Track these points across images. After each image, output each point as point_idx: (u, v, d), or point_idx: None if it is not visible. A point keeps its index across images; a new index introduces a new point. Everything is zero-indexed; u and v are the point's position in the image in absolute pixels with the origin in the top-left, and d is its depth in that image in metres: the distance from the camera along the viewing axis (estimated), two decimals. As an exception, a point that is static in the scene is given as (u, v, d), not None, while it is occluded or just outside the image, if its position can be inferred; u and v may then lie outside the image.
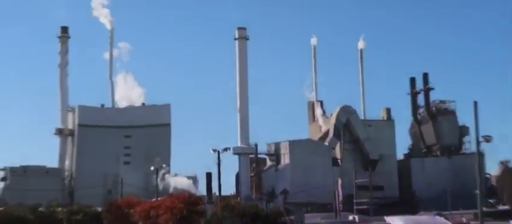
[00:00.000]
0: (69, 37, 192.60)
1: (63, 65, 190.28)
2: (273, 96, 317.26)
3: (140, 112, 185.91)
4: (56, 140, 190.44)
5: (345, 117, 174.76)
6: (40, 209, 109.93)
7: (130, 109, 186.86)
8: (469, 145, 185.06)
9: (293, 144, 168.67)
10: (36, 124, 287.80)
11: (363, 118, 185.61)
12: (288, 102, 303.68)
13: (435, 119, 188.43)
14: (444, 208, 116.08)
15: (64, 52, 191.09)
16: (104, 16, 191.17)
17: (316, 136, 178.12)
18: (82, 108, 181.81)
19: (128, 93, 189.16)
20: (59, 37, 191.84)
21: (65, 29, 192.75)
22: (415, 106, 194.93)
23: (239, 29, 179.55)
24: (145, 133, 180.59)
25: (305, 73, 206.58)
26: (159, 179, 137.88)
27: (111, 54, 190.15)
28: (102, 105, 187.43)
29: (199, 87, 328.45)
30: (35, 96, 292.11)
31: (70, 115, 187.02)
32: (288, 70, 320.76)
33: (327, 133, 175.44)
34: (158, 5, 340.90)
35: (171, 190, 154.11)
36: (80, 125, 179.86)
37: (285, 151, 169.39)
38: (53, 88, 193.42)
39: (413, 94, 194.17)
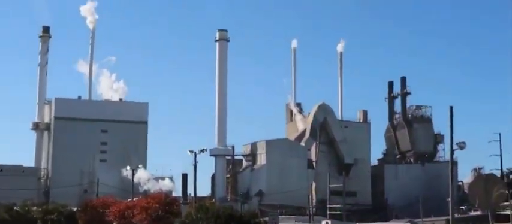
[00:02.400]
0: (50, 36, 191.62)
1: (43, 64, 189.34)
2: (252, 98, 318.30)
3: (118, 107, 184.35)
4: (33, 137, 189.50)
5: (323, 115, 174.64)
6: (15, 208, 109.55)
7: (108, 103, 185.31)
8: (443, 153, 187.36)
9: (269, 143, 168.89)
10: (13, 122, 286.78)
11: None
12: (267, 104, 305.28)
13: (411, 125, 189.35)
14: (417, 215, 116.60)
15: (44, 51, 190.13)
16: (87, 11, 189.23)
17: (293, 136, 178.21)
18: (59, 101, 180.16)
19: (107, 89, 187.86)
20: (40, 36, 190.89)
21: (46, 29, 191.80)
22: (392, 111, 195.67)
23: (220, 30, 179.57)
24: (122, 128, 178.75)
25: (285, 76, 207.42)
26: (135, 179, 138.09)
27: (91, 50, 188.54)
28: (79, 97, 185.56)
29: (177, 87, 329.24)
30: (13, 93, 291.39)
31: (47, 108, 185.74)
32: (268, 72, 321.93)
33: (303, 133, 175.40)
34: (141, 5, 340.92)
35: (145, 188, 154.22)
36: (56, 118, 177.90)
37: (261, 151, 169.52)
38: (32, 86, 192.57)
39: (391, 99, 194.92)
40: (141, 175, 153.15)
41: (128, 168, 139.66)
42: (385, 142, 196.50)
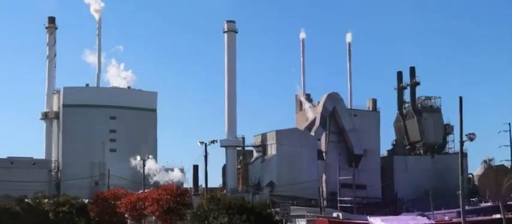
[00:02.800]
0: (56, 28, 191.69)
1: (51, 56, 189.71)
2: (262, 89, 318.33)
3: (126, 94, 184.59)
4: (43, 128, 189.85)
5: (332, 104, 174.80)
6: (26, 200, 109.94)
7: (116, 90, 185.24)
8: (453, 144, 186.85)
9: (280, 133, 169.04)
10: (23, 115, 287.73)
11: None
12: (276, 95, 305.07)
13: (420, 115, 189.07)
14: (427, 208, 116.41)
15: (52, 43, 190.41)
16: (94, 2, 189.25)
17: (302, 126, 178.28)
18: (67, 89, 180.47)
19: (115, 77, 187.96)
20: (47, 27, 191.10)
21: (52, 19, 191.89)
22: (401, 100, 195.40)
23: (228, 22, 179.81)
24: (131, 115, 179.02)
25: (294, 67, 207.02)
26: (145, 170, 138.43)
27: (99, 39, 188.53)
28: (87, 85, 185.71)
29: (186, 79, 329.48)
30: (23, 86, 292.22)
31: (55, 97, 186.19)
32: (277, 63, 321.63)
33: (313, 122, 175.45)
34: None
35: (155, 179, 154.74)
36: (64, 105, 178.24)
37: (271, 142, 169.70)
38: (41, 79, 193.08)
39: (400, 89, 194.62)
40: (151, 166, 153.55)
41: (138, 158, 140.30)
42: (394, 132, 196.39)
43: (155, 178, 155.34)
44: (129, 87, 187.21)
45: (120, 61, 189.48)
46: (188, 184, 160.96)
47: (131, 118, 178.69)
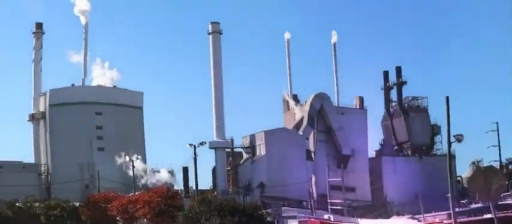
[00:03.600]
0: (43, 33, 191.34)
1: (37, 60, 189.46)
2: (249, 90, 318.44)
3: (112, 92, 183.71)
4: (30, 130, 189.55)
5: (319, 103, 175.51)
6: (17, 204, 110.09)
7: (101, 88, 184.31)
8: (441, 145, 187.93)
9: (268, 133, 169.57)
10: (10, 119, 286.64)
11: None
12: (263, 95, 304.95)
13: (407, 114, 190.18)
14: (417, 211, 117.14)
15: (38, 47, 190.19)
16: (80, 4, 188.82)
17: (290, 126, 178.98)
18: (53, 90, 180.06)
19: (100, 77, 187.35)
20: (34, 33, 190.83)
21: (39, 25, 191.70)
22: (388, 100, 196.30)
23: (212, 23, 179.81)
24: (118, 112, 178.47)
25: (280, 68, 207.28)
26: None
27: (86, 43, 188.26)
28: (73, 85, 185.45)
29: (173, 80, 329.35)
30: (9, 90, 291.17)
31: (42, 99, 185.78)
32: (263, 64, 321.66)
33: (301, 121, 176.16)
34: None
35: (142, 182, 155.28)
36: (50, 105, 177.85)
37: (260, 142, 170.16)
38: (28, 82, 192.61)
39: (387, 88, 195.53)
40: (138, 166, 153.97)
41: (127, 158, 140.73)
42: (382, 131, 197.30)
43: (143, 181, 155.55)
44: (114, 86, 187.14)
45: (105, 60, 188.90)
46: (178, 186, 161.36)
47: (117, 114, 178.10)
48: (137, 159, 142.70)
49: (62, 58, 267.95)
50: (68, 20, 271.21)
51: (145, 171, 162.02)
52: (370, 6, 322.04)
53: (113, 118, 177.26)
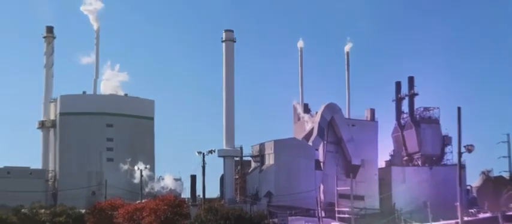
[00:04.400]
0: (54, 37, 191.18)
1: (49, 65, 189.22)
2: (260, 98, 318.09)
3: (123, 101, 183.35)
4: (40, 137, 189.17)
5: (330, 114, 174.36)
6: (23, 210, 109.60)
7: (113, 97, 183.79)
8: (451, 155, 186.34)
9: (277, 143, 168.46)
10: (20, 124, 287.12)
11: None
12: (274, 104, 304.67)
13: (418, 126, 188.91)
14: (425, 219, 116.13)
15: (49, 52, 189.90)
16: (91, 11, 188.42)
17: (300, 136, 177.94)
18: (64, 97, 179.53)
19: (112, 84, 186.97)
20: (44, 37, 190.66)
21: (50, 29, 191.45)
22: (399, 110, 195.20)
23: (226, 31, 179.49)
24: (128, 123, 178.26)
25: (292, 77, 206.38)
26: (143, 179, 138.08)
27: (97, 49, 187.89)
28: (84, 92, 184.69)
29: (184, 88, 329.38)
30: (20, 95, 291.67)
31: (52, 106, 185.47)
32: (275, 72, 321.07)
33: (311, 132, 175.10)
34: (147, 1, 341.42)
35: (149, 190, 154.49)
36: (61, 113, 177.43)
37: (269, 151, 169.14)
38: (39, 88, 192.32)
39: (398, 99, 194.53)
40: (147, 175, 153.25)
41: (136, 168, 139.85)
42: (392, 143, 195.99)
43: (147, 189, 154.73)
44: (126, 95, 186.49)
45: (116, 65, 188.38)
46: (186, 194, 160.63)
47: (128, 126, 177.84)
48: (146, 168, 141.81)
49: (72, 60, 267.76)
50: (78, 26, 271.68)
51: (151, 178, 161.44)
52: (383, 17, 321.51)
53: (123, 129, 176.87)
